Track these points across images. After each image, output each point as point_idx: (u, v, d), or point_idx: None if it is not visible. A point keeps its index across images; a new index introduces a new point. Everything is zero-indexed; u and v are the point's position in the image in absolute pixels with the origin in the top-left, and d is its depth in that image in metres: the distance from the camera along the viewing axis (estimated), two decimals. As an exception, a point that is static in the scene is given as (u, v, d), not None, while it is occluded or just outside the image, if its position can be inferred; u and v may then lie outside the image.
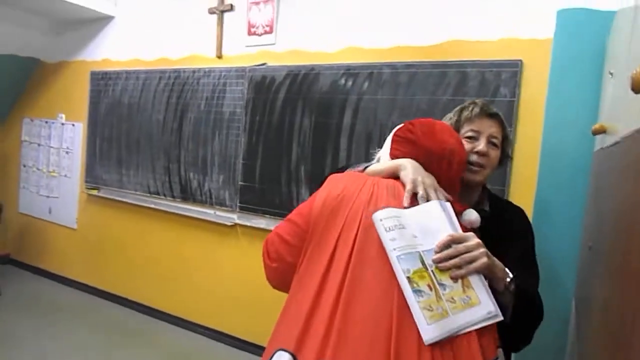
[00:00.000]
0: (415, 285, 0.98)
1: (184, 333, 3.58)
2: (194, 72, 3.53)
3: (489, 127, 1.37)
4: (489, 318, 0.99)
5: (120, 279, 4.06)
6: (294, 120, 3.05)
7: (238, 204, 3.29)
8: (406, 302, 0.96)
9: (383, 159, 1.29)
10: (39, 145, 4.71)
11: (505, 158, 1.45)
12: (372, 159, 1.35)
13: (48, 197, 4.62)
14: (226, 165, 3.35)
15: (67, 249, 4.48)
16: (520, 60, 2.38)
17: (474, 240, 1.05)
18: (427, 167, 1.17)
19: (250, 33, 3.33)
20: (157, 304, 3.82)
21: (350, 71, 2.86)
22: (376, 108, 2.76)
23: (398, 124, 1.30)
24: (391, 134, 1.30)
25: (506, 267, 1.11)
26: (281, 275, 1.19)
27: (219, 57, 3.49)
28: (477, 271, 1.02)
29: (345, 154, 2.86)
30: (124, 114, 3.95)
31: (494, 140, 1.38)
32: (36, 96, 4.79)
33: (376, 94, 2.76)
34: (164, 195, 3.69)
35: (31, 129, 4.79)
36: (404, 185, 1.12)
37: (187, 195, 3.56)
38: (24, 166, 4.86)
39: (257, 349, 3.29)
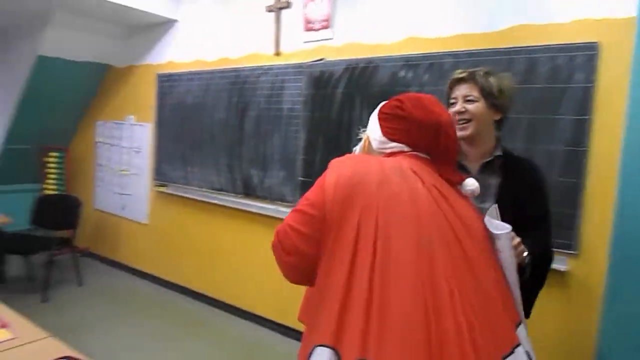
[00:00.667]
0: None
1: (250, 325, 3.69)
2: (253, 70, 3.60)
3: (462, 90, 1.61)
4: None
5: (187, 271, 4.25)
6: (353, 115, 3.03)
7: (298, 200, 3.32)
8: (439, 285, 0.98)
9: (372, 137, 1.29)
10: (111, 145, 5.01)
11: (500, 108, 1.61)
12: (359, 139, 1.36)
13: (121, 194, 4.91)
14: (286, 161, 3.40)
15: (139, 243, 4.74)
16: (597, 43, 2.20)
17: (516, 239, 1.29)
18: (420, 141, 1.20)
19: (307, 29, 3.33)
20: (221, 296, 3.96)
21: (410, 62, 2.79)
22: (438, 100, 2.67)
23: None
24: (376, 112, 1.30)
25: (523, 224, 1.35)
26: (299, 268, 1.14)
27: (277, 54, 3.52)
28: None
29: (406, 148, 2.80)
30: (188, 113, 4.10)
31: (469, 98, 1.59)
32: (108, 100, 5.09)
33: (437, 85, 2.68)
34: (227, 191, 3.80)
35: (104, 130, 5.10)
36: (403, 164, 1.15)
37: (249, 191, 3.64)
38: (99, 165, 5.19)
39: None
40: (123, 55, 4.83)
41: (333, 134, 3.13)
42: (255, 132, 3.59)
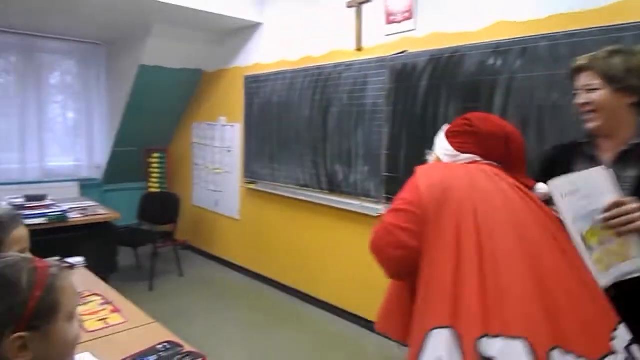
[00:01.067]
0: (587, 242, 1.25)
1: (333, 318, 3.74)
2: (335, 67, 3.62)
3: (581, 80, 1.50)
4: None
5: (276, 265, 4.40)
6: (438, 108, 2.93)
7: (384, 195, 3.30)
8: (545, 271, 1.09)
9: (442, 154, 1.41)
10: (205, 145, 5.34)
11: (631, 90, 1.43)
12: (427, 161, 1.50)
13: (214, 191, 5.22)
14: (370, 157, 3.38)
15: (232, 237, 5.01)
16: None
17: (634, 204, 1.24)
18: (492, 151, 1.33)
19: (389, 21, 3.28)
20: (308, 290, 4.06)
21: (500, 49, 2.63)
22: (532, 88, 2.50)
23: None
24: (442, 133, 1.46)
25: None
26: (404, 262, 1.23)
27: (359, 49, 3.51)
28: (637, 230, 1.23)
29: (496, 139, 2.65)
30: (274, 113, 4.24)
31: (589, 88, 1.47)
32: (202, 103, 5.43)
33: (531, 71, 2.50)
34: (312, 188, 3.87)
35: (199, 131, 5.45)
36: (488, 170, 1.27)
37: (333, 187, 3.68)
38: (195, 165, 5.56)
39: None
40: (214, 60, 5.12)
41: (417, 128, 3.06)
42: (339, 129, 3.61)
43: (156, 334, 1.88)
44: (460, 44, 2.83)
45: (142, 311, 2.11)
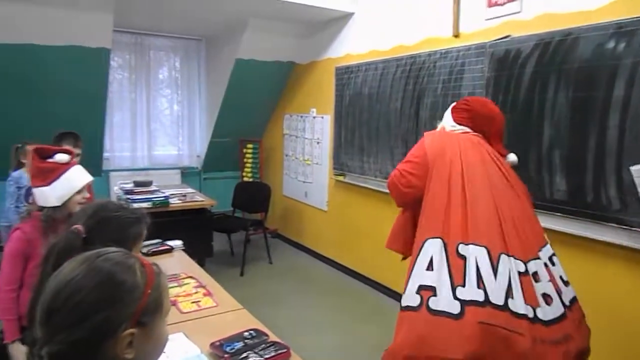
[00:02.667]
0: None
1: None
2: (429, 55, 3.45)
3: None
4: None
5: (362, 258, 4.36)
6: (545, 97, 2.66)
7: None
8: (502, 200, 1.67)
9: (446, 124, 1.95)
10: (296, 137, 5.43)
11: None
12: (436, 127, 2.05)
13: (304, 182, 5.29)
14: (465, 151, 3.18)
15: (320, 229, 5.05)
16: None
17: None
18: (480, 126, 1.86)
19: (490, 4, 3.04)
20: (395, 286, 3.95)
21: (623, 29, 2.31)
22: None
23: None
24: (450, 109, 1.97)
25: None
26: (410, 197, 1.83)
27: (456, 36, 3.31)
28: None
29: (615, 132, 2.34)
30: (364, 104, 4.17)
31: None
32: (293, 94, 5.52)
33: (663, 54, 2.16)
34: (402, 182, 3.75)
35: (290, 123, 5.55)
36: (474, 139, 1.83)
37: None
38: (286, 155, 5.68)
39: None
40: (306, 51, 5.16)
41: (519, 120, 2.80)
42: (432, 120, 3.44)
43: (244, 320, 1.92)
44: (574, 26, 2.53)
45: (232, 296, 2.19)
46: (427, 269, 1.60)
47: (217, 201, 4.44)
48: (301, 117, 5.32)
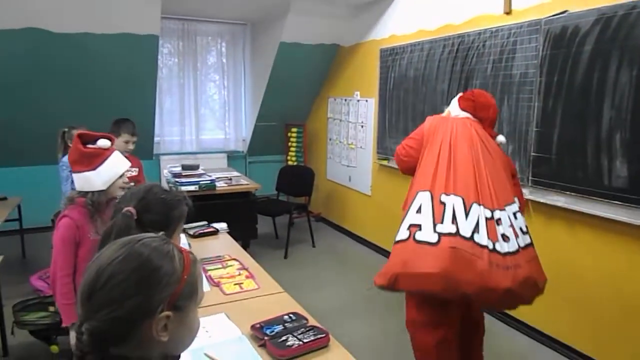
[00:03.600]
0: None
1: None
2: (479, 34, 3.30)
3: None
4: None
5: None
6: (606, 77, 2.48)
7: (530, 178, 2.95)
8: (480, 164, 2.12)
9: (452, 109, 2.37)
10: (340, 120, 5.38)
11: None
12: (442, 111, 2.50)
13: (348, 166, 5.26)
14: (516, 134, 3.04)
15: (363, 213, 5.02)
16: None
17: None
18: (479, 113, 2.29)
19: (546, -22, 2.85)
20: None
21: (698, 0, 2.10)
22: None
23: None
24: (456, 98, 2.37)
25: None
26: (407, 163, 2.34)
27: (508, 12, 3.14)
28: None
29: (685, 114, 2.15)
30: (409, 86, 4.06)
31: None
32: (337, 77, 5.46)
33: None
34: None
35: (334, 106, 5.51)
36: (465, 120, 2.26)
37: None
38: (329, 139, 5.66)
39: (557, 345, 2.96)
40: (350, 34, 5.08)
41: (577, 102, 2.64)
42: (480, 103, 3.31)
43: (284, 303, 1.94)
44: (641, -2, 2.33)
45: (275, 279, 2.21)
46: (417, 213, 2.11)
47: (262, 185, 4.50)
48: (345, 100, 5.26)
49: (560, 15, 2.72)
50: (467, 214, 2.02)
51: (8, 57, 4.10)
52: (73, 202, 1.85)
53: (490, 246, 1.98)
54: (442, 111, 2.50)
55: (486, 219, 2.02)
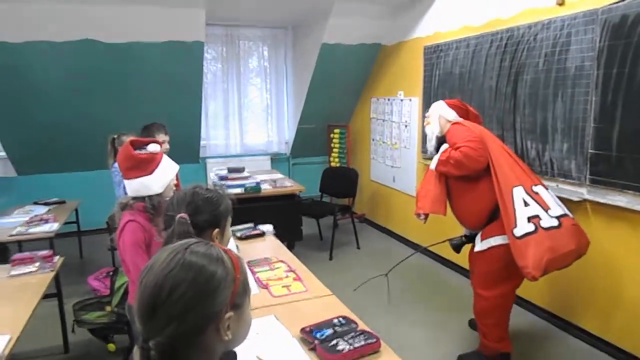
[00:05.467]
0: None
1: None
2: (529, 27, 3.16)
3: None
4: None
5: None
6: (673, 67, 2.31)
7: (588, 176, 2.80)
8: (512, 155, 2.64)
9: (445, 114, 2.78)
10: (383, 120, 5.32)
11: None
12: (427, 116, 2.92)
13: (392, 166, 5.19)
14: (571, 131, 2.89)
15: (408, 214, 4.92)
16: None
17: None
18: (465, 115, 2.77)
19: (603, -35, 2.69)
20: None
21: None
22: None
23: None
24: (444, 105, 2.82)
25: None
26: (482, 163, 2.52)
27: (561, 4, 2.99)
28: None
29: None
30: (455, 84, 3.96)
31: None
32: (380, 77, 5.40)
33: None
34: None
35: (377, 106, 5.45)
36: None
37: (523, 165, 3.28)
38: (373, 140, 5.61)
39: (614, 350, 2.80)
40: (392, 32, 5.01)
41: (639, 94, 2.47)
42: (532, 98, 3.17)
43: (333, 307, 1.93)
44: None
45: (321, 281, 2.21)
46: (525, 206, 2.40)
47: (305, 186, 4.51)
48: (388, 100, 5.19)
49: (620, 4, 2.56)
50: (551, 197, 2.50)
51: (65, 67, 4.32)
52: (129, 207, 1.88)
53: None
54: (447, 115, 2.79)
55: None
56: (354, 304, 2.06)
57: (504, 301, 2.65)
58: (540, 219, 2.38)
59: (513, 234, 2.38)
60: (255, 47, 5.96)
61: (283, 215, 4.11)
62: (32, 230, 3.36)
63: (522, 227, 2.37)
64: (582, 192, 2.85)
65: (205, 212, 1.47)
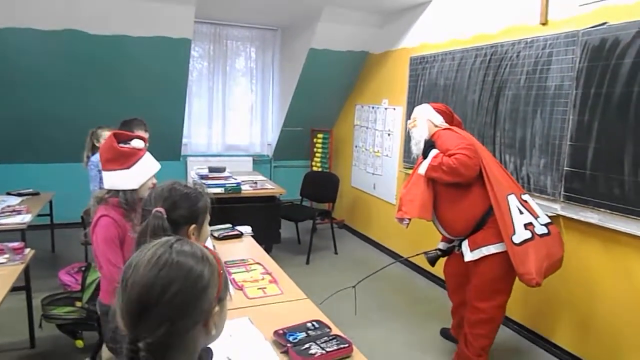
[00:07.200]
0: None
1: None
2: (513, 44, 3.24)
3: None
4: None
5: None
6: (647, 91, 2.39)
7: (562, 193, 2.86)
8: (498, 164, 2.74)
9: (433, 119, 2.77)
10: (366, 128, 5.36)
11: None
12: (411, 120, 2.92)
13: (373, 174, 5.23)
14: (549, 148, 2.96)
15: (388, 222, 4.96)
16: None
17: None
18: (450, 121, 2.81)
19: (586, -11, 2.77)
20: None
21: None
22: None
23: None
24: (430, 109, 2.80)
25: None
26: (477, 171, 2.52)
27: (544, 23, 3.07)
28: None
29: None
30: (439, 95, 4.02)
31: None
32: (365, 85, 5.45)
33: None
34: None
35: (361, 113, 5.49)
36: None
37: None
38: (355, 146, 5.64)
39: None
40: (380, 41, 5.06)
41: (615, 115, 2.55)
42: (513, 114, 3.24)
43: (307, 310, 1.93)
44: (687, 11, 2.24)
45: (297, 284, 2.20)
46: (520, 214, 2.46)
47: (286, 189, 4.50)
48: (372, 108, 5.24)
49: (600, 27, 2.65)
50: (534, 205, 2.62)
51: (47, 57, 4.24)
52: (104, 201, 1.85)
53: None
54: (429, 123, 2.80)
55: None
56: (328, 309, 2.06)
57: (499, 313, 2.64)
58: (534, 226, 2.46)
59: (512, 241, 2.41)
60: (243, 47, 5.95)
61: (262, 217, 4.09)
62: (3, 221, 3.27)
63: (520, 234, 2.42)
64: (556, 208, 2.92)
65: (182, 208, 1.46)
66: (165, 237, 0.85)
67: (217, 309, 0.81)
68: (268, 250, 3.84)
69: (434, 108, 2.79)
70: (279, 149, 6.16)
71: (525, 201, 2.54)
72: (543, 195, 3.00)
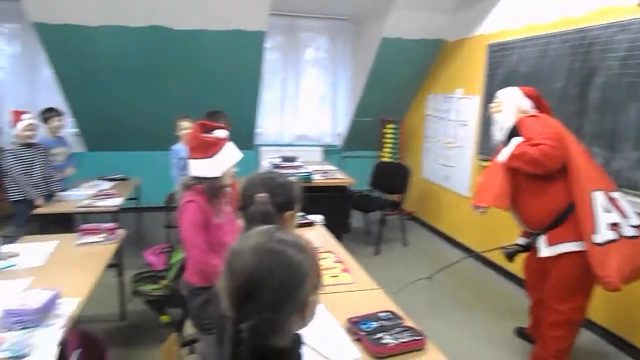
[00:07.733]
0: None
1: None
2: (605, 28, 2.99)
3: None
4: None
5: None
6: None
7: None
8: (588, 153, 2.57)
9: (520, 104, 2.62)
10: (439, 118, 5.22)
11: None
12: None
13: (445, 165, 5.09)
14: (644, 140, 2.72)
15: (459, 215, 4.83)
16: None
17: None
18: (542, 107, 2.65)
19: (695, -37, 2.50)
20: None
21: None
22: None
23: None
24: (520, 94, 2.65)
25: None
26: (560, 162, 2.37)
27: (642, 4, 2.81)
28: None
29: None
30: (519, 84, 3.78)
31: None
32: (439, 74, 5.29)
33: None
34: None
35: (434, 103, 5.35)
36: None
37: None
38: (427, 137, 5.51)
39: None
40: (456, 28, 4.88)
41: None
42: (602, 104, 3.01)
43: (379, 300, 1.94)
44: None
45: (368, 276, 2.22)
46: (606, 212, 2.30)
47: (356, 180, 4.52)
48: (446, 97, 5.08)
49: None
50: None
51: (134, 51, 4.55)
52: (190, 188, 1.97)
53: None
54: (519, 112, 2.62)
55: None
56: (399, 301, 2.06)
57: (577, 315, 2.51)
58: (620, 227, 2.31)
59: (592, 241, 2.28)
60: (315, 38, 5.99)
61: (332, 207, 4.13)
62: (98, 203, 3.58)
63: (603, 233, 2.28)
64: (652, 206, 2.69)
65: (280, 195, 1.45)
66: (266, 225, 0.90)
67: (312, 297, 0.84)
68: (338, 239, 3.88)
69: (524, 92, 2.62)
70: (348, 139, 6.17)
71: (614, 199, 2.36)
72: (635, 191, 2.77)
